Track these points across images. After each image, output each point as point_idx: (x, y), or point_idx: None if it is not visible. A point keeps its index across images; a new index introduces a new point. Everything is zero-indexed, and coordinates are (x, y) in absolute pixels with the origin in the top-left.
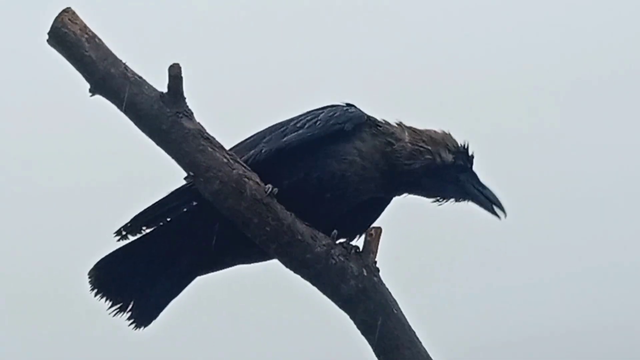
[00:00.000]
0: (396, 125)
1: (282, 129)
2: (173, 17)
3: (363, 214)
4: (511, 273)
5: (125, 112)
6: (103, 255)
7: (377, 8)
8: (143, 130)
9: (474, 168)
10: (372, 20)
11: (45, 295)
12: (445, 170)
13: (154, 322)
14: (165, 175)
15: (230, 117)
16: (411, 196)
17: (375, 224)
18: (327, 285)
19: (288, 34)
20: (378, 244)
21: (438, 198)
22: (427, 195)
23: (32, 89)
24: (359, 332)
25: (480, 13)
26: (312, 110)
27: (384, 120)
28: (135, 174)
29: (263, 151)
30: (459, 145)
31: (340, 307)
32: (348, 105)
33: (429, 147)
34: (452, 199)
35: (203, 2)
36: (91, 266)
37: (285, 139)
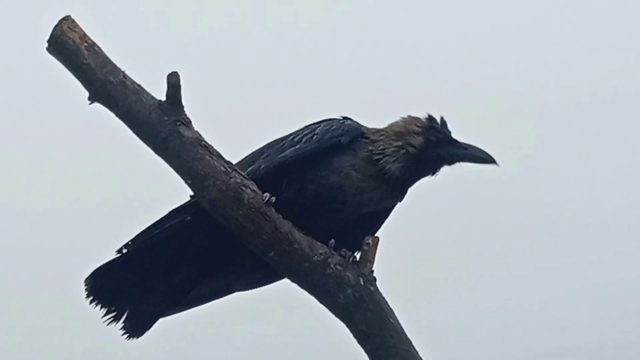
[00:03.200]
0: (370, 131)
1: (279, 145)
2: (172, 26)
3: (364, 226)
4: (510, 290)
5: (124, 120)
6: (100, 264)
7: (375, 22)
8: (141, 138)
9: (452, 133)
10: (372, 33)
11: (44, 314)
12: (425, 153)
13: (147, 334)
14: (166, 190)
15: (228, 125)
16: (410, 209)
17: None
18: (324, 294)
19: (287, 41)
20: (375, 253)
21: (433, 173)
22: (426, 176)
23: (30, 100)
24: (355, 341)
25: (453, 43)
26: (310, 125)
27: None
28: (136, 191)
29: (262, 167)
30: (423, 123)
31: (337, 316)
32: (344, 118)
33: (400, 143)
34: (446, 165)
35: (203, 10)
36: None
37: (282, 154)
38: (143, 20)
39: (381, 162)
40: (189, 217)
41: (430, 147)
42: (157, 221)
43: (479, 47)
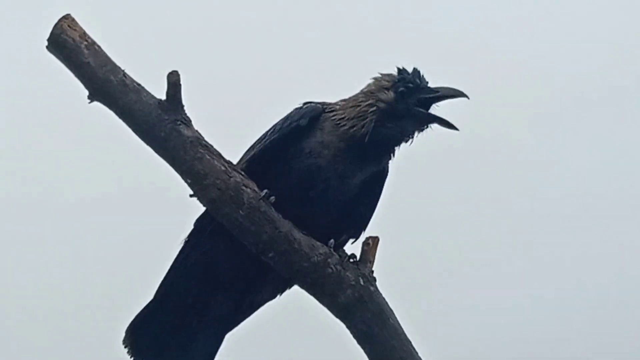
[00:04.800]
0: (334, 104)
1: (256, 142)
2: (172, 25)
3: (361, 201)
4: (509, 286)
5: (124, 118)
6: (132, 319)
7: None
8: (141, 137)
9: (427, 83)
10: (374, 29)
11: (54, 307)
12: (394, 108)
13: None
14: (167, 187)
15: (228, 125)
16: (409, 202)
17: (372, 234)
18: (324, 294)
19: (288, 42)
20: (375, 253)
21: (405, 139)
22: (398, 142)
23: (32, 98)
24: (354, 341)
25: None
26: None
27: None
28: (136, 186)
29: (244, 166)
30: (393, 77)
31: (337, 316)
32: (305, 103)
33: (369, 101)
34: (416, 132)
35: (203, 10)
36: (123, 333)
37: (254, 150)
38: (143, 19)
39: (348, 127)
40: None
41: (401, 99)
42: (175, 259)
43: (478, 34)
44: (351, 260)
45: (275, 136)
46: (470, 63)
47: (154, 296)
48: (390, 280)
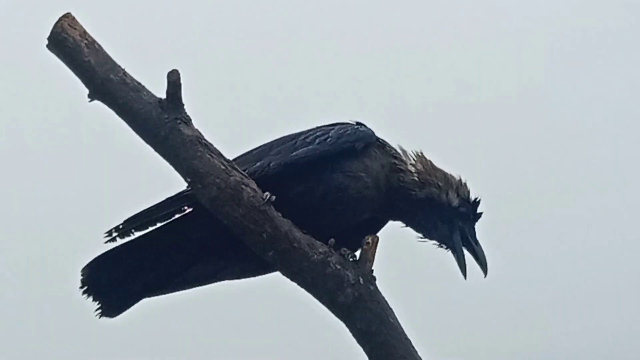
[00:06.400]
0: (410, 153)
1: (290, 143)
2: (173, 23)
3: (361, 233)
4: (510, 284)
5: (124, 117)
6: (95, 255)
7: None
8: (141, 136)
9: (476, 226)
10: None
11: (40, 300)
12: (445, 211)
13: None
14: (163, 183)
15: (228, 124)
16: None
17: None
18: (324, 294)
19: (290, 43)
20: (375, 252)
21: (425, 234)
22: (416, 228)
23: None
24: (354, 340)
25: None
26: (322, 126)
27: (397, 145)
28: (133, 183)
29: (272, 165)
30: (469, 195)
31: (337, 315)
32: (358, 124)
33: (440, 183)
34: (436, 241)
35: (204, 9)
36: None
37: (294, 153)
38: (143, 18)
39: (404, 179)
40: (186, 208)
41: (454, 212)
42: (151, 207)
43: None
44: (351, 259)
45: (326, 148)
46: None
47: (116, 230)
48: (390, 279)
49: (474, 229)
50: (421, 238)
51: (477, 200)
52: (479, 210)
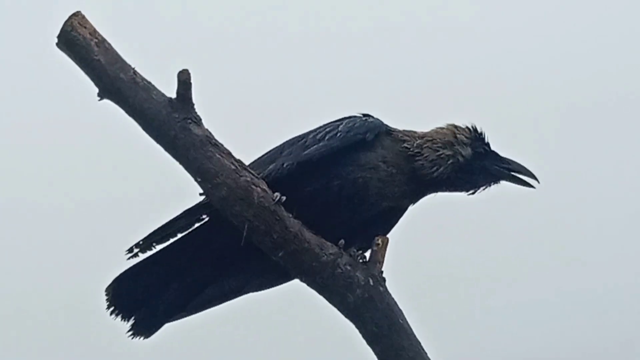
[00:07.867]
0: (404, 132)
1: (301, 142)
2: (183, 23)
3: (379, 223)
4: (522, 288)
5: (133, 117)
6: (119, 273)
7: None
8: (151, 136)
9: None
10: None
11: (57, 312)
12: (470, 164)
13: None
14: (179, 189)
15: (238, 123)
16: (424, 205)
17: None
18: (334, 294)
19: (297, 39)
20: (385, 253)
21: (471, 191)
22: (459, 190)
23: (39, 96)
24: (364, 341)
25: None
26: (330, 122)
27: (396, 128)
28: (148, 188)
29: (285, 165)
30: (471, 133)
31: (346, 316)
32: (365, 115)
33: (449, 152)
34: (485, 187)
35: (214, 8)
36: (107, 283)
37: (306, 152)
38: (154, 17)
39: (420, 162)
40: (204, 217)
41: (477, 159)
42: (170, 221)
43: (495, 42)
44: (361, 260)
45: (337, 143)
46: None
47: (137, 246)
48: (399, 281)
49: (494, 153)
50: (470, 194)
51: (478, 130)
52: (486, 138)
